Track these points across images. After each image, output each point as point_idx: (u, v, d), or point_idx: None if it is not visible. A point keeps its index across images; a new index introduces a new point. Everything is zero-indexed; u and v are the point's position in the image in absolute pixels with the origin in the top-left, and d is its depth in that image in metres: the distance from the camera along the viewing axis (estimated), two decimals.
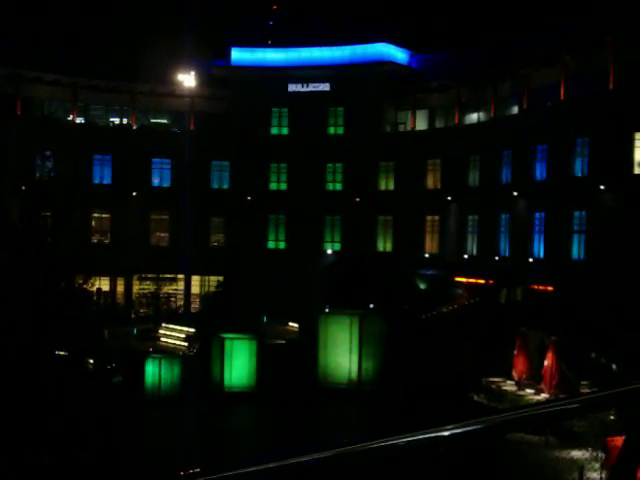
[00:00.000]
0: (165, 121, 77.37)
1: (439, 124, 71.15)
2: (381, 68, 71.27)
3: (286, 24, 76.88)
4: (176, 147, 68.15)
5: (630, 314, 37.56)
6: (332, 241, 73.24)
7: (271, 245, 74.42)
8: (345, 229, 72.48)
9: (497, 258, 60.31)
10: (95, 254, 62.77)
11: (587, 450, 27.48)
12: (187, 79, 71.26)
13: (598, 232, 50.36)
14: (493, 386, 41.62)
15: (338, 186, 73.35)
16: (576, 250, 52.96)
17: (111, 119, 75.63)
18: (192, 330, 57.93)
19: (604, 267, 46.51)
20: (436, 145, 67.21)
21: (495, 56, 62.66)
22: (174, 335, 59.81)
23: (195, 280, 72.60)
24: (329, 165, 73.22)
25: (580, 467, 25.92)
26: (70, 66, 68.41)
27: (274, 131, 74.78)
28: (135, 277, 72.23)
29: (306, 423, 37.19)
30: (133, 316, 68.77)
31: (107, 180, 71.45)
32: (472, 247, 64.44)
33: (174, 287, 73.46)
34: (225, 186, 74.39)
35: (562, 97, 56.39)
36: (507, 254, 60.18)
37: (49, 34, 70.05)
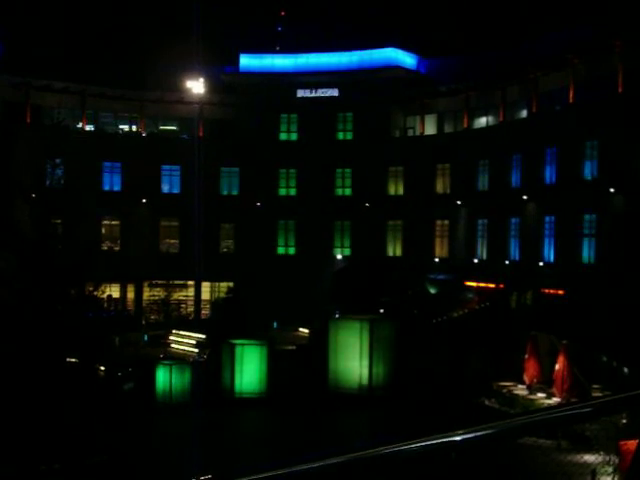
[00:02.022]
0: (174, 128, 77.50)
1: (448, 129, 71.10)
2: (389, 73, 71.29)
3: (294, 30, 77.00)
4: (185, 154, 68.21)
5: None
6: (342, 246, 73.26)
7: (281, 251, 74.45)
8: (355, 234, 72.48)
9: (507, 262, 60.21)
10: (105, 261, 62.91)
11: (600, 454, 27.38)
12: (196, 86, 71.42)
13: (608, 235, 50.24)
14: (504, 390, 41.54)
15: (347, 191, 73.39)
16: (586, 253, 52.85)
17: (120, 126, 75.82)
18: (202, 336, 58.01)
19: (614, 270, 46.40)
20: (445, 150, 67.18)
21: (503, 60, 62.61)
22: (185, 341, 59.88)
23: (205, 286, 72.70)
24: (338, 170, 73.28)
25: (593, 471, 25.84)
26: (79, 74, 68.60)
27: (283, 137, 74.86)
28: (145, 284, 72.35)
29: (317, 429, 37.15)
30: (143, 323, 68.84)
31: (117, 187, 71.67)
32: (482, 251, 64.37)
33: (184, 293, 73.56)
34: (235, 192, 74.50)
35: (571, 101, 56.33)
36: (517, 258, 60.09)
37: (58, 42, 70.25)
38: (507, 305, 54.54)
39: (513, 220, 60.81)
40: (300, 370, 46.64)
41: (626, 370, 36.96)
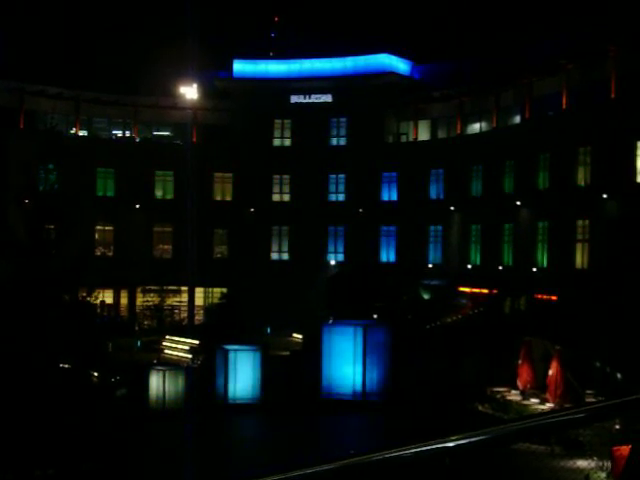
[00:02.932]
0: (168, 133, 77.50)
1: (441, 134, 71.18)
2: (383, 79, 71.35)
3: (288, 36, 77.08)
4: (179, 159, 68.06)
5: (634, 323, 37.50)
6: (335, 252, 73.24)
7: (274, 256, 74.42)
8: (348, 240, 72.47)
9: (501, 268, 60.26)
10: (99, 266, 62.81)
11: (593, 459, 27.42)
12: (189, 91, 71.06)
13: (601, 241, 50.32)
14: (498, 396, 41.57)
15: (341, 197, 73.41)
16: (580, 259, 52.91)
17: (114, 132, 75.79)
18: (196, 342, 57.91)
19: (608, 276, 46.45)
20: (439, 155, 67.23)
21: (497, 65, 62.72)
22: (178, 347, 59.78)
23: (199, 292, 72.55)
24: (332, 176, 73.29)
25: (586, 476, 25.86)
26: (73, 79, 68.55)
27: (277, 142, 74.87)
28: (139, 289, 72.26)
29: (311, 434, 37.12)
30: (137, 328, 68.74)
31: (110, 193, 71.61)
32: (475, 257, 64.40)
33: (178, 299, 73.44)
34: (228, 198, 74.47)
35: (564, 106, 56.43)
36: (511, 263, 60.13)
37: (52, 47, 70.22)
38: (501, 310, 54.57)
39: (506, 225, 60.86)
40: (294, 376, 46.60)
41: (619, 376, 37.01)
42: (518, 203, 58.24)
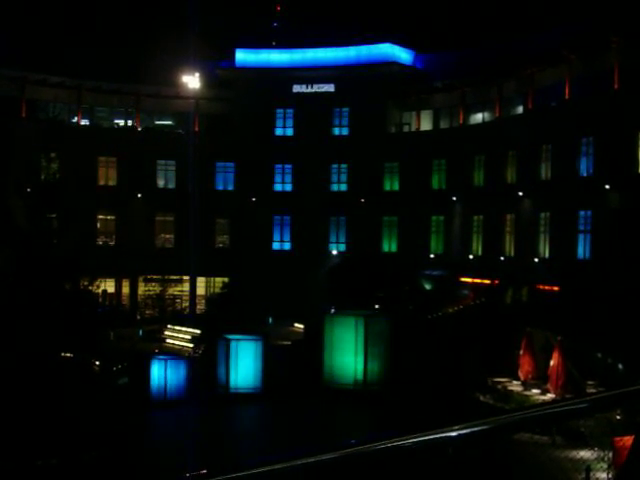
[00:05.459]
0: (170, 123, 77.41)
1: (444, 124, 71.07)
2: (385, 69, 71.22)
3: (290, 25, 76.92)
4: (181, 148, 68.05)
5: (636, 313, 37.49)
6: (337, 242, 73.21)
7: (276, 246, 74.38)
8: (350, 230, 72.42)
9: (502, 258, 60.22)
10: (100, 256, 62.86)
11: (594, 450, 27.44)
12: (192, 81, 71.21)
13: (603, 232, 50.27)
14: (499, 386, 41.63)
15: (343, 187, 73.33)
16: (581, 250, 52.85)
17: (116, 121, 75.73)
18: (198, 331, 58.01)
19: (610, 266, 46.44)
20: (441, 145, 67.13)
21: (500, 56, 62.56)
22: (180, 336, 59.87)
23: (200, 281, 72.59)
24: (334, 166, 73.21)
25: (587, 467, 25.88)
26: (75, 68, 68.43)
27: (279, 132, 74.76)
28: (140, 279, 72.27)
29: (312, 424, 37.18)
30: (138, 318, 68.81)
31: (112, 182, 71.56)
32: (477, 247, 64.35)
33: (179, 288, 73.50)
34: (230, 187, 74.41)
35: (567, 97, 56.32)
36: (512, 254, 60.09)
37: (53, 36, 70.11)
38: (502, 301, 54.59)
39: (508, 216, 60.78)
40: (295, 365, 46.67)
41: (621, 366, 37.04)
42: (520, 194, 58.16)
